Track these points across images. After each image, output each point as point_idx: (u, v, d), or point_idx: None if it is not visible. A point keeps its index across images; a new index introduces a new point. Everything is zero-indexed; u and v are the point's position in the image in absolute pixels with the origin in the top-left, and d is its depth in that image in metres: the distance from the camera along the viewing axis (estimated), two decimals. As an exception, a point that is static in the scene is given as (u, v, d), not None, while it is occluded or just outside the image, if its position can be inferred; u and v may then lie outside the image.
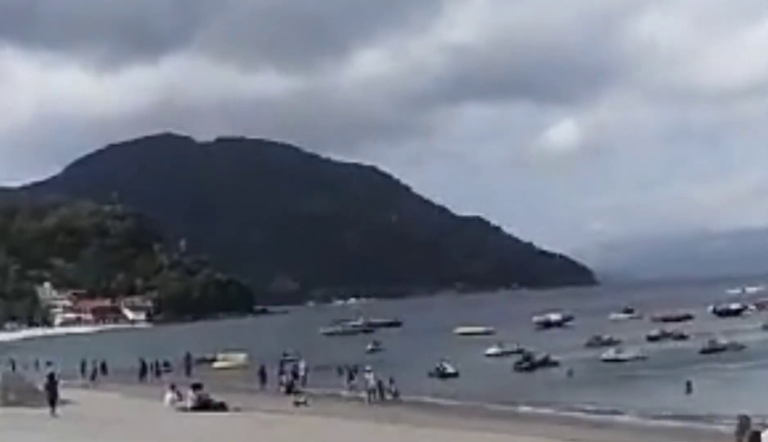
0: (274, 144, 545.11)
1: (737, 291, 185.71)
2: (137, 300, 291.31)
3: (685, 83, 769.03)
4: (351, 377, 59.57)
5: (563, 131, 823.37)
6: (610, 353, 76.58)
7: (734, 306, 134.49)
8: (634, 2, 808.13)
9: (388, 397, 54.33)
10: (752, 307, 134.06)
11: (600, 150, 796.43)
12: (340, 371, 63.27)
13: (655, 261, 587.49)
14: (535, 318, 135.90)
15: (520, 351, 78.78)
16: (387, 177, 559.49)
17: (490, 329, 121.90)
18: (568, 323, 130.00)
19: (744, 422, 25.22)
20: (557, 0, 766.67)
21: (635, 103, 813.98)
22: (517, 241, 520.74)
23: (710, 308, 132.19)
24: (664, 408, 47.09)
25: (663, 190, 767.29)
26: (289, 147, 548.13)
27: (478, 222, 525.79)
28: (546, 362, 72.38)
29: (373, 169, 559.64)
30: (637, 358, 73.43)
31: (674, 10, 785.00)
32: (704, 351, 74.63)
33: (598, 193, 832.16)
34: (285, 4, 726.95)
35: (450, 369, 69.64)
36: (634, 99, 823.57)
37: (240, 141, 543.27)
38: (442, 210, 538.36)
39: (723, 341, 77.54)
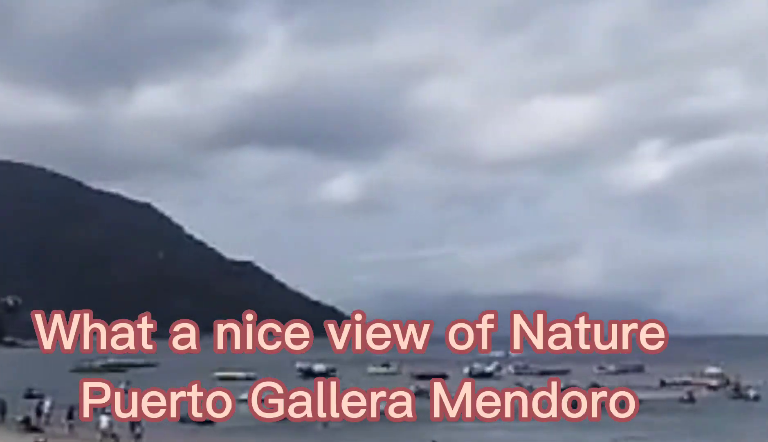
0: (41, 170, 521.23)
1: (498, 353, 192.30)
2: None
3: (464, 150, 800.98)
4: (70, 416, 56.98)
5: (344, 184, 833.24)
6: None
7: (488, 369, 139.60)
8: (422, 67, 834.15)
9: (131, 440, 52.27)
10: (510, 369, 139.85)
11: (378, 206, 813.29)
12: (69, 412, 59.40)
13: (418, 318, 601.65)
14: (299, 365, 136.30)
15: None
16: (160, 215, 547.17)
17: (251, 374, 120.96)
18: (333, 374, 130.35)
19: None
20: (351, 57, 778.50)
21: (416, 164, 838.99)
22: (287, 289, 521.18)
23: (466, 369, 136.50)
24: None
25: (432, 251, 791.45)
26: (58, 175, 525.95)
27: (251, 268, 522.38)
28: None
29: (146, 206, 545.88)
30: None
31: (459, 80, 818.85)
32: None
33: (371, 247, 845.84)
34: (73, 33, 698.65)
35: None
36: (415, 160, 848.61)
37: (1, 164, 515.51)
38: (215, 253, 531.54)
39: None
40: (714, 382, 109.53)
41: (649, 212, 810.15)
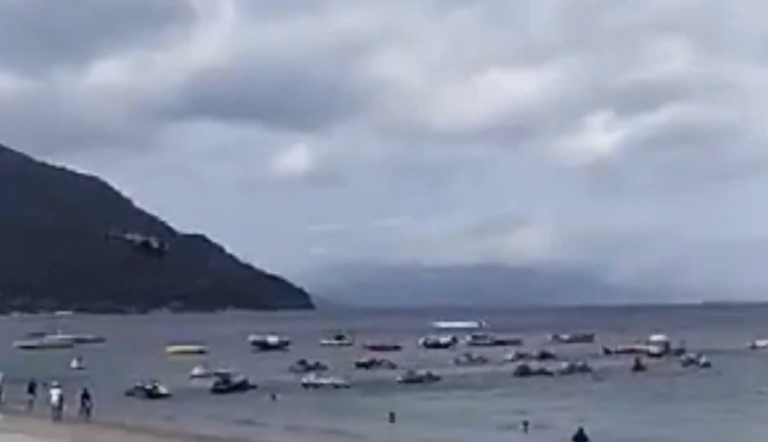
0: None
1: (455, 325, 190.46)
2: None
3: (417, 122, 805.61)
4: (31, 391, 56.77)
5: (295, 156, 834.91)
6: (310, 377, 78.30)
7: (443, 340, 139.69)
8: (371, 40, 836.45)
9: (81, 415, 51.87)
10: (469, 338, 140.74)
11: (329, 178, 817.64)
12: (31, 387, 58.89)
13: (371, 290, 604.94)
14: (252, 338, 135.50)
15: (223, 373, 77.91)
16: (109, 188, 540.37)
17: (204, 348, 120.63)
18: (287, 347, 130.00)
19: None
20: (301, 30, 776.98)
21: (367, 136, 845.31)
22: (238, 262, 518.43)
23: (421, 340, 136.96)
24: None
25: (384, 222, 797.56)
26: (6, 150, 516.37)
27: (200, 241, 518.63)
28: (244, 385, 72.87)
29: (94, 180, 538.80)
30: (337, 385, 75.05)
31: (409, 53, 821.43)
32: (402, 381, 77.79)
33: (323, 219, 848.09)
34: (24, 7, 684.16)
35: (162, 390, 68.42)
36: (366, 132, 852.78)
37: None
38: (164, 226, 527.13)
39: (420, 372, 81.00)
40: (656, 349, 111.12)
41: (596, 183, 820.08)
